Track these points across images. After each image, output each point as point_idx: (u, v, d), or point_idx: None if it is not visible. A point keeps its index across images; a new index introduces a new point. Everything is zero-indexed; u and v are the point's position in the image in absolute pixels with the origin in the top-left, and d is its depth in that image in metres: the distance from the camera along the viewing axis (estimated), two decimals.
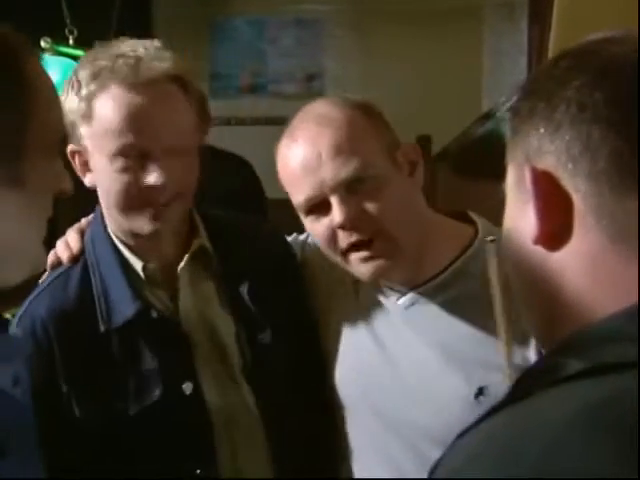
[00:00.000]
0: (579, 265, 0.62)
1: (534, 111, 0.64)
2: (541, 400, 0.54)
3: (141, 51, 1.18)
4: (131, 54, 1.18)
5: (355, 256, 1.18)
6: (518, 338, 1.12)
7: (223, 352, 1.29)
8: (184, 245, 1.29)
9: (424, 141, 3.24)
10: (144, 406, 1.22)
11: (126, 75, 1.15)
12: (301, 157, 1.17)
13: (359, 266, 1.18)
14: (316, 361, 1.33)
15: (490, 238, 0.99)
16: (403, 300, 1.25)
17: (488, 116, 3.85)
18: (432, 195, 3.36)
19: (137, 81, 1.15)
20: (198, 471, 1.24)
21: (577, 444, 0.49)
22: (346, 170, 1.14)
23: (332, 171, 1.14)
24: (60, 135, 0.86)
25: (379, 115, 1.24)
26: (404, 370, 1.24)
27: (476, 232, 1.24)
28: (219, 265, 1.31)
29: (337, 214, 1.14)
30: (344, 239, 1.16)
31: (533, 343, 1.14)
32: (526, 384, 0.58)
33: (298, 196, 1.18)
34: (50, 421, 1.19)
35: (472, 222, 1.27)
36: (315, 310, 1.36)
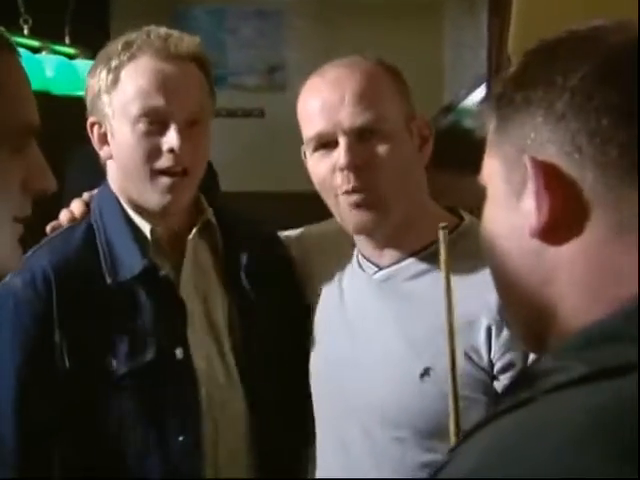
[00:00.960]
0: (581, 258, 0.60)
1: (529, 100, 0.62)
2: (546, 406, 0.54)
3: (173, 31, 1.28)
4: (163, 31, 1.26)
5: (346, 200, 1.21)
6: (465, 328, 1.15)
7: (214, 327, 1.32)
8: (188, 222, 1.33)
9: None
10: (135, 365, 1.23)
11: (157, 48, 1.23)
12: (325, 94, 1.21)
13: (348, 212, 1.22)
14: (302, 346, 1.35)
15: (442, 225, 1.00)
16: (379, 275, 1.28)
17: (449, 109, 3.87)
18: None
19: (168, 53, 1.23)
20: (181, 438, 1.25)
21: (584, 455, 0.49)
22: (363, 118, 1.19)
23: (350, 116, 1.19)
24: (30, 130, 0.84)
25: (404, 83, 1.29)
26: (365, 343, 1.27)
27: (461, 223, 1.28)
28: (220, 244, 1.35)
29: (343, 156, 1.19)
30: (343, 182, 1.20)
31: (481, 332, 1.17)
32: (529, 386, 0.57)
33: (311, 130, 1.23)
34: (36, 372, 1.21)
35: (461, 217, 1.31)
36: (304, 296, 1.40)
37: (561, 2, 1.88)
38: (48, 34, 3.01)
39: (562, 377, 0.54)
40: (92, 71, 1.28)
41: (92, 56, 3.23)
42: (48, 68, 2.90)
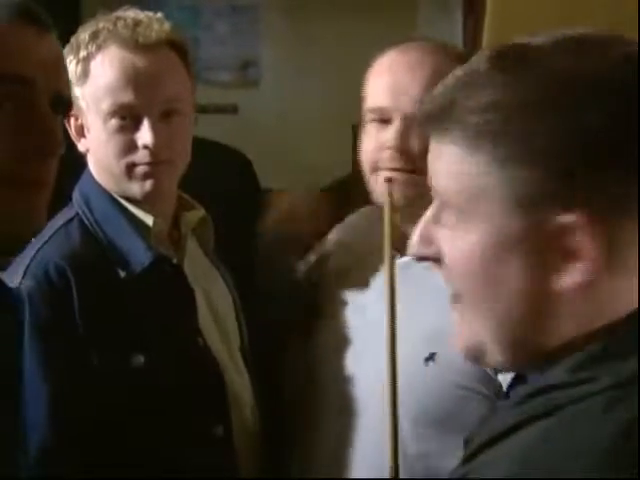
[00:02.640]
0: (583, 297, 0.61)
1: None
2: (574, 420, 0.54)
3: (142, 17, 1.24)
4: (131, 18, 1.23)
5: (384, 175, 1.27)
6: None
7: (217, 317, 1.33)
8: (172, 220, 1.32)
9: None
10: (163, 356, 1.21)
11: (125, 36, 1.19)
12: (400, 74, 1.28)
13: (382, 186, 1.27)
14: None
15: (387, 177, 1.02)
16: (399, 262, 1.28)
17: None
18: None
19: (136, 43, 1.19)
20: (219, 428, 1.25)
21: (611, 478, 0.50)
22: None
23: (414, 101, 1.23)
24: (16, 81, 0.83)
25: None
26: (376, 323, 1.26)
27: None
28: (212, 239, 1.36)
29: (394, 138, 1.26)
30: (389, 160, 1.28)
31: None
32: (547, 398, 0.57)
33: (372, 102, 1.32)
34: (65, 368, 1.17)
35: None
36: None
37: (536, 0, 1.88)
38: None
39: (585, 389, 0.55)
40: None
41: (62, 48, 3.19)
42: None
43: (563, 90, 0.58)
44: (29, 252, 1.21)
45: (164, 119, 1.22)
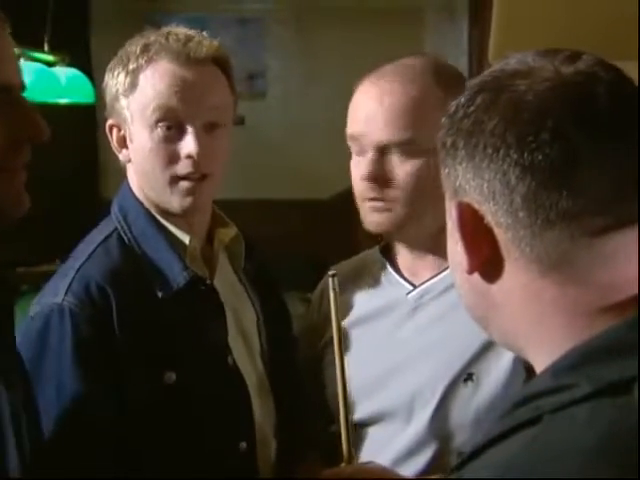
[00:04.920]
0: (515, 297, 0.63)
1: (456, 146, 0.65)
2: (554, 428, 0.55)
3: (192, 33, 1.27)
4: (183, 34, 1.26)
5: (368, 205, 1.28)
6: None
7: (244, 334, 1.34)
8: (206, 234, 1.33)
9: None
10: (194, 375, 1.23)
11: (177, 50, 1.23)
12: (370, 103, 1.27)
13: (369, 215, 1.28)
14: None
15: (332, 272, 1.07)
16: (414, 293, 1.31)
17: None
18: None
19: (187, 57, 1.23)
20: (243, 444, 1.26)
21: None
22: (389, 136, 1.23)
23: (379, 131, 1.24)
24: (6, 89, 0.89)
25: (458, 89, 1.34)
26: (405, 355, 1.29)
27: None
28: (243, 257, 1.37)
29: (364, 168, 1.25)
30: (366, 191, 1.27)
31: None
32: (531, 405, 0.58)
33: (350, 131, 1.28)
34: (101, 387, 1.19)
35: None
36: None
37: (541, 11, 1.89)
38: (26, 41, 2.99)
39: (567, 396, 0.55)
40: (111, 72, 1.27)
41: (71, 63, 3.21)
42: (26, 75, 2.88)
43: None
44: (70, 269, 1.24)
45: (208, 132, 1.23)
